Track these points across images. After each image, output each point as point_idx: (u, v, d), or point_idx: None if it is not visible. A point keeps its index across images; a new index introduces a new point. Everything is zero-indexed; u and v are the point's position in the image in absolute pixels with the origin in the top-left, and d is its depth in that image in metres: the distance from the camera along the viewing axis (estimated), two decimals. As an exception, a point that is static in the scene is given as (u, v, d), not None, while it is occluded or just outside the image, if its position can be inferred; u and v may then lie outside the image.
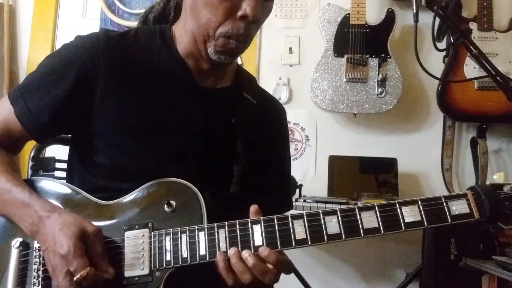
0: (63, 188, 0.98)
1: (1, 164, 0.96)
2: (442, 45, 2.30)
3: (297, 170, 2.47)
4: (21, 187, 0.92)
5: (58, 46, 2.73)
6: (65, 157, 1.12)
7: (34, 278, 0.89)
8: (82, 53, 0.97)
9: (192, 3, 0.98)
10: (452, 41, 1.30)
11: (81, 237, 0.84)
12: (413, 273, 2.27)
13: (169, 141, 0.99)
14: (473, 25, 2.31)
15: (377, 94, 2.32)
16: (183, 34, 1.03)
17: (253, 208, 0.90)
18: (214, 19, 0.95)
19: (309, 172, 2.54)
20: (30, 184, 0.96)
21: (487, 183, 0.89)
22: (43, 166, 1.32)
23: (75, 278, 0.81)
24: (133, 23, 2.70)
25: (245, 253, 0.84)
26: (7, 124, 0.98)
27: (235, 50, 0.99)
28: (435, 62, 2.35)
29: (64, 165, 1.41)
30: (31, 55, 2.75)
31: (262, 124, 1.12)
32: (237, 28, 0.95)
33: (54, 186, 0.98)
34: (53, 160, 1.36)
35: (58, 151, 1.39)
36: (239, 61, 1.14)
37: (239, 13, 0.94)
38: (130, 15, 2.75)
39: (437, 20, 1.34)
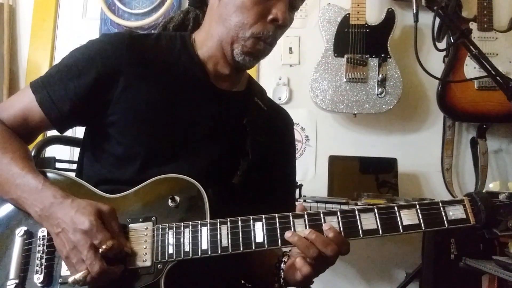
0: (68, 180, 1.00)
1: (18, 151, 0.98)
2: (442, 45, 2.30)
3: (297, 170, 2.46)
4: (36, 174, 0.94)
5: (58, 46, 2.75)
6: (65, 157, 1.13)
7: (37, 266, 0.90)
8: (107, 48, 1.02)
9: (222, 7, 1.03)
10: (452, 41, 1.30)
11: (99, 215, 0.87)
12: (413, 273, 2.27)
13: (182, 135, 1.03)
14: (473, 25, 2.31)
15: (377, 94, 2.32)
16: (206, 39, 1.08)
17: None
18: (245, 21, 1.00)
19: (309, 172, 2.54)
20: None
21: (484, 191, 0.92)
22: (43, 166, 1.32)
23: (100, 250, 0.83)
24: (133, 23, 2.70)
25: (325, 226, 0.87)
26: (27, 112, 1.02)
27: (262, 51, 1.05)
28: (435, 62, 2.35)
29: (64, 165, 1.41)
30: (31, 55, 2.75)
31: (271, 128, 1.16)
32: (267, 30, 1.01)
33: (60, 178, 1.00)
34: (53, 160, 1.35)
35: (58, 151, 1.39)
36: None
37: (270, 17, 1.00)
38: (130, 15, 2.75)
39: (437, 20, 1.34)
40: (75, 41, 1.08)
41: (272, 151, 1.15)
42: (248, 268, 1.11)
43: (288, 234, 0.87)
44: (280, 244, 0.88)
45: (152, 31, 1.19)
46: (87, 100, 1.01)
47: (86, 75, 1.00)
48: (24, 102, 1.02)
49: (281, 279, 0.99)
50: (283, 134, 1.23)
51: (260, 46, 1.03)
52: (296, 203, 0.94)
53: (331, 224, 0.87)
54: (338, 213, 0.89)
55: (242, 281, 1.17)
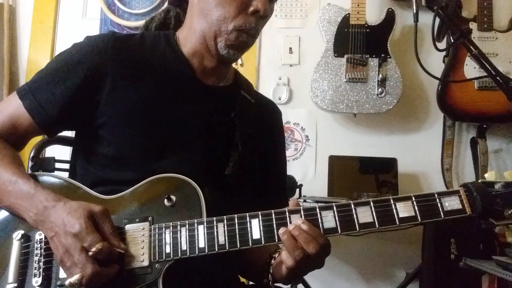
0: (64, 183, 0.99)
1: (6, 158, 0.98)
2: (442, 45, 2.29)
3: (297, 170, 2.46)
4: (27, 179, 0.94)
5: (58, 46, 2.75)
6: (65, 157, 1.13)
7: (35, 270, 0.90)
8: (92, 50, 1.02)
9: (203, 2, 1.05)
10: (452, 41, 1.30)
11: (90, 217, 0.86)
12: (413, 273, 2.27)
13: (172, 133, 1.03)
14: (473, 25, 2.32)
15: (377, 94, 2.32)
16: (189, 35, 1.09)
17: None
18: (227, 14, 1.02)
19: (309, 172, 2.54)
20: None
21: (479, 181, 0.91)
22: (43, 166, 1.32)
23: (90, 253, 0.83)
24: (133, 23, 2.71)
25: (303, 224, 0.87)
26: (15, 118, 1.01)
27: (245, 43, 1.06)
28: (435, 62, 2.35)
29: (64, 165, 1.41)
30: (31, 55, 2.75)
31: (259, 120, 1.17)
32: (249, 23, 1.02)
33: (55, 181, 1.00)
34: (53, 160, 1.35)
35: (58, 151, 1.39)
36: (239, 61, 1.17)
37: (251, 9, 1.02)
38: (130, 15, 2.75)
39: (437, 20, 1.34)
40: (75, 41, 1.07)
41: (262, 142, 1.16)
42: (245, 263, 1.11)
43: (281, 231, 0.87)
44: (276, 240, 0.88)
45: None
46: (74, 103, 1.01)
47: (72, 78, 1.00)
48: (11, 109, 1.02)
49: (269, 275, 0.99)
50: (272, 124, 1.24)
51: (244, 38, 1.04)
52: (290, 200, 0.94)
53: (303, 219, 0.87)
54: (334, 208, 0.89)
55: (240, 277, 1.17)
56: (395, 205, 0.88)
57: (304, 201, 2.05)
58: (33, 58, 2.73)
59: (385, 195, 2.17)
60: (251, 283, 1.19)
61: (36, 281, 0.89)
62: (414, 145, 2.50)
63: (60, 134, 1.13)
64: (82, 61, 1.01)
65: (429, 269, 2.05)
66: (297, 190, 2.11)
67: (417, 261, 2.26)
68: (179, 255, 0.88)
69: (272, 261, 0.99)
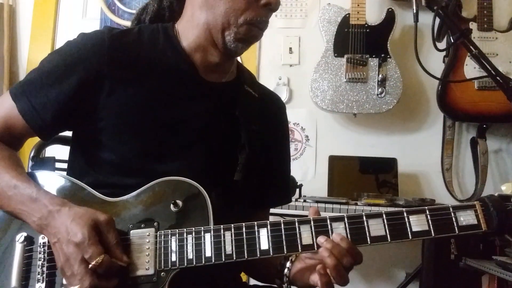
0: (67, 183, 0.96)
1: (4, 160, 0.94)
2: (442, 45, 2.30)
3: (297, 170, 2.46)
4: (27, 183, 0.91)
5: (58, 46, 2.74)
6: (65, 157, 1.12)
7: (38, 274, 0.88)
8: (87, 51, 0.97)
9: None
10: (452, 41, 1.30)
11: (94, 226, 0.83)
12: (413, 273, 2.27)
13: (175, 135, 1.00)
14: (473, 25, 2.32)
15: (377, 94, 2.32)
16: (190, 28, 1.03)
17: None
18: (236, 7, 0.97)
19: (309, 172, 2.54)
20: (33, 178, 0.95)
21: (496, 194, 0.87)
22: (43, 166, 1.32)
23: (90, 265, 0.80)
24: (133, 23, 2.71)
25: (337, 237, 0.85)
26: (9, 121, 0.97)
27: (256, 37, 1.02)
28: (435, 62, 2.35)
29: (64, 165, 1.41)
30: (31, 55, 2.75)
31: (264, 115, 1.13)
32: (260, 16, 0.98)
33: (58, 180, 0.97)
34: (53, 160, 1.35)
35: (58, 151, 1.38)
36: (238, 59, 1.15)
37: (263, 1, 0.98)
38: (130, 15, 2.74)
39: (437, 20, 1.34)
40: (75, 41, 1.05)
41: (266, 138, 1.12)
42: (246, 262, 1.09)
43: (321, 240, 0.85)
44: (285, 252, 0.86)
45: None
46: (70, 106, 0.97)
47: (68, 80, 0.95)
48: (5, 110, 0.97)
49: (284, 276, 0.96)
50: (276, 119, 1.20)
51: (254, 32, 1.00)
52: (310, 205, 0.92)
53: (342, 235, 0.85)
54: (345, 219, 0.86)
55: (241, 277, 1.16)
56: (408, 218, 0.85)
57: (304, 201, 2.05)
58: (33, 58, 2.73)
59: (385, 195, 2.18)
60: (251, 283, 1.18)
61: (40, 286, 0.87)
62: (414, 145, 2.50)
63: (60, 133, 1.11)
64: (77, 63, 0.96)
65: (429, 269, 2.05)
66: (297, 190, 2.11)
67: (417, 261, 2.26)
68: (185, 264, 0.86)
69: (288, 263, 0.96)
